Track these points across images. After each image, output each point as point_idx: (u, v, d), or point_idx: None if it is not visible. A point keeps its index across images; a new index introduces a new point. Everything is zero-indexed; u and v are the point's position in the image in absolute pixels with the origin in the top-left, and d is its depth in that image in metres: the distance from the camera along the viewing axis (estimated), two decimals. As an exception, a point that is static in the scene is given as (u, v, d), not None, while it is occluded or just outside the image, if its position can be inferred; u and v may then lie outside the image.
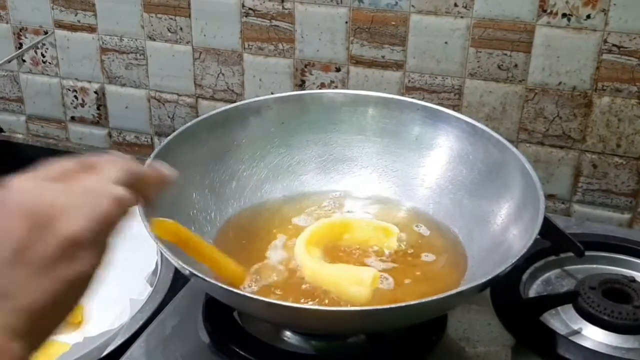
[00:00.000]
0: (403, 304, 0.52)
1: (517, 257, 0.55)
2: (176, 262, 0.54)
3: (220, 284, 0.53)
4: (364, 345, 0.63)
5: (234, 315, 0.64)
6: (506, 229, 0.65)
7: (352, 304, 0.59)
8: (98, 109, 1.05)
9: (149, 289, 0.73)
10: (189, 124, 0.70)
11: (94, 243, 0.38)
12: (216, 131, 0.73)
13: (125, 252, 0.73)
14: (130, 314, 0.69)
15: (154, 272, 0.75)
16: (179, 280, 0.72)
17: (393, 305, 0.51)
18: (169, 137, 0.67)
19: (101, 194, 0.39)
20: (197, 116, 0.99)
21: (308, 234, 0.67)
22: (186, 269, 0.53)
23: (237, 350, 0.60)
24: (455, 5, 0.82)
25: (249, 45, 0.92)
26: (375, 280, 0.61)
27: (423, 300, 0.52)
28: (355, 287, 0.60)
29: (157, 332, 0.66)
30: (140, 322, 0.67)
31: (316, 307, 0.52)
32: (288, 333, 0.63)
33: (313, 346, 0.63)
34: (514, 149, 0.68)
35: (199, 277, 0.53)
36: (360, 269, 0.63)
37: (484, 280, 0.54)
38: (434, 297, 0.53)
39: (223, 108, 0.74)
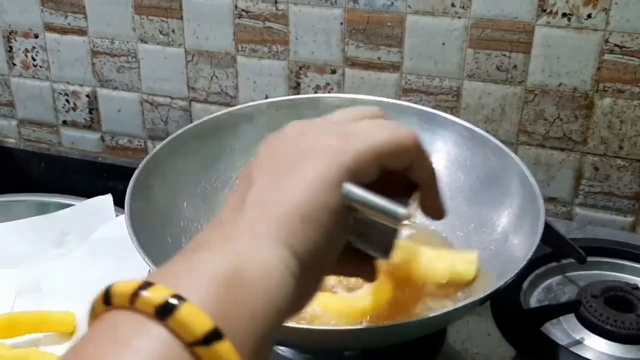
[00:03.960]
0: (400, 322, 0.50)
1: (517, 270, 0.53)
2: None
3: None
4: (361, 359, 0.62)
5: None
6: (506, 238, 0.63)
7: (459, 283, 0.61)
8: (90, 112, 1.03)
9: (141, 300, 0.71)
10: (178, 132, 0.69)
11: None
12: (207, 138, 0.71)
13: (114, 262, 0.73)
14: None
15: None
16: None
17: (390, 324, 0.50)
18: (157, 147, 0.66)
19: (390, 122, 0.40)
20: (191, 119, 0.98)
21: None
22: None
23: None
24: (453, 5, 0.80)
25: (242, 47, 0.91)
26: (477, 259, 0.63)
27: (421, 317, 0.51)
28: (464, 266, 0.62)
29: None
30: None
31: (310, 326, 0.50)
32: (282, 347, 0.62)
33: (308, 360, 0.62)
34: (512, 155, 0.66)
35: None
36: (460, 252, 0.65)
37: (483, 295, 0.52)
38: (432, 314, 0.52)
39: (214, 115, 0.73)
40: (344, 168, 0.33)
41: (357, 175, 0.34)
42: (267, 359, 0.30)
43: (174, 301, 0.26)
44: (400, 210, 0.34)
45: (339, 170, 0.33)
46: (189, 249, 0.32)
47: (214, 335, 0.26)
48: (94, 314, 0.28)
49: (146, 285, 0.27)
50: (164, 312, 0.26)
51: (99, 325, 0.28)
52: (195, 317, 0.26)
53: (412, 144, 0.37)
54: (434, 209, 0.42)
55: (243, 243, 0.31)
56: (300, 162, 0.34)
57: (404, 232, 0.67)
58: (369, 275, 0.42)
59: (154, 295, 0.27)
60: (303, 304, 0.34)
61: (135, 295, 0.27)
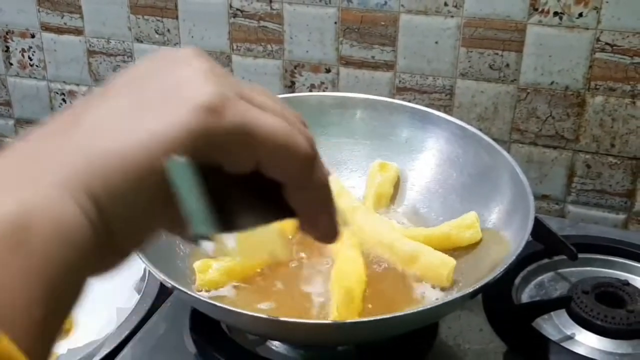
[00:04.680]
0: (392, 315, 0.51)
1: (507, 265, 0.54)
2: (159, 276, 0.53)
3: (202, 298, 0.52)
4: (354, 354, 0.62)
5: (221, 325, 0.63)
6: (497, 236, 0.64)
7: (463, 245, 0.64)
8: (87, 112, 1.03)
9: (137, 297, 0.72)
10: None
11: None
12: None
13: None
14: (116, 322, 0.68)
15: (142, 278, 0.74)
16: (166, 287, 0.71)
17: (380, 317, 0.50)
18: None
19: (296, 117, 0.31)
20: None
21: None
22: (168, 282, 0.52)
23: (224, 360, 0.60)
24: (446, 4, 0.81)
25: (237, 46, 0.91)
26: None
27: (411, 310, 0.52)
28: (468, 231, 0.65)
29: (143, 342, 0.64)
30: (127, 332, 0.66)
31: (301, 320, 0.51)
32: (276, 342, 0.62)
33: (302, 355, 0.62)
34: (504, 152, 0.67)
35: (182, 290, 0.51)
36: (462, 218, 0.66)
37: (473, 288, 0.53)
38: (423, 308, 0.53)
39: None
40: (199, 133, 0.26)
41: (212, 151, 0.27)
42: (61, 326, 0.25)
43: None
44: (202, 227, 0.27)
45: (193, 134, 0.26)
46: None
47: None
48: None
49: None
50: None
51: None
52: None
53: (301, 157, 0.30)
54: (318, 237, 0.35)
55: (43, 187, 0.24)
56: (161, 101, 0.27)
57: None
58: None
59: None
60: (113, 264, 0.28)
61: None
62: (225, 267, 0.61)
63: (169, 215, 0.28)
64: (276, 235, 0.38)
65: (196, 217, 0.27)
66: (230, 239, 0.32)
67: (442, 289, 0.62)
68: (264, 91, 0.31)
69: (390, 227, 0.68)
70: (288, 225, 0.35)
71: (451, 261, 0.62)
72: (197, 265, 0.62)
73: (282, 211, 0.32)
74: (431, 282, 0.63)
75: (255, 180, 0.30)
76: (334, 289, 0.60)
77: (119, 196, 0.26)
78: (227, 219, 0.29)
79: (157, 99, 0.27)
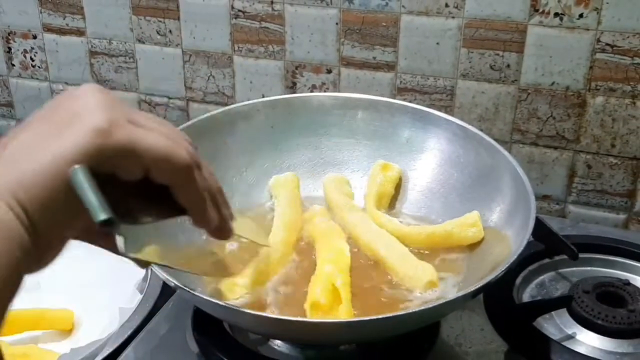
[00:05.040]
0: (393, 314, 0.51)
1: (508, 264, 0.54)
2: (162, 275, 0.53)
3: (206, 297, 0.52)
4: (356, 353, 0.63)
5: (223, 324, 0.63)
6: (499, 235, 0.64)
7: (465, 244, 0.65)
8: (88, 112, 1.04)
9: (139, 297, 0.72)
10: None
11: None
12: (204, 136, 0.72)
13: (114, 259, 0.73)
14: (119, 322, 0.68)
15: (144, 278, 0.75)
16: (169, 287, 0.72)
17: (382, 316, 0.50)
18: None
19: (179, 136, 0.40)
20: (189, 119, 0.99)
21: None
22: (171, 281, 0.52)
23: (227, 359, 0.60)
24: (446, 5, 0.81)
25: (239, 47, 0.91)
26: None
27: (413, 310, 0.52)
28: (471, 229, 0.65)
29: (146, 342, 0.65)
30: (129, 332, 0.66)
31: (303, 319, 0.51)
32: (278, 342, 0.62)
33: (304, 355, 0.62)
34: (505, 152, 0.67)
35: (185, 289, 0.52)
36: (464, 216, 0.66)
37: (474, 287, 0.53)
38: (424, 307, 0.53)
39: (210, 113, 0.73)
40: (93, 150, 0.34)
41: (106, 163, 0.35)
42: (7, 308, 0.33)
43: None
44: (99, 213, 0.34)
45: (87, 150, 0.34)
46: None
47: None
48: None
49: None
50: None
51: None
52: None
53: (180, 166, 0.38)
54: (211, 232, 0.44)
55: None
56: (65, 127, 0.35)
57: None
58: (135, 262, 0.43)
59: None
60: (46, 259, 0.36)
61: None
62: (249, 281, 0.61)
63: (80, 218, 0.35)
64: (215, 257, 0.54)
65: (93, 207, 0.34)
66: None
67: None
68: (153, 117, 0.39)
69: (392, 227, 0.69)
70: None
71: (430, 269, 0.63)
72: (224, 287, 0.61)
73: (176, 209, 0.40)
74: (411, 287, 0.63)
75: (151, 185, 0.38)
76: (315, 276, 0.61)
77: (38, 202, 0.34)
78: (130, 216, 0.38)
79: (62, 126, 0.35)
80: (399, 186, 0.74)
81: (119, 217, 0.35)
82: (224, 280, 0.61)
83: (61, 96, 0.38)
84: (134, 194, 0.38)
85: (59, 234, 0.36)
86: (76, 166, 0.34)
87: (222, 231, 0.44)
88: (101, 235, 0.40)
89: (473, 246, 0.66)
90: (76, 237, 0.40)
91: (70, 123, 0.35)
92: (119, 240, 0.36)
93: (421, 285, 0.61)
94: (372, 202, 0.72)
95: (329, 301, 0.58)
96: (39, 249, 0.34)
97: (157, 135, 0.37)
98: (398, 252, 0.65)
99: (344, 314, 0.57)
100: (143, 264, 0.44)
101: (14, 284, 0.33)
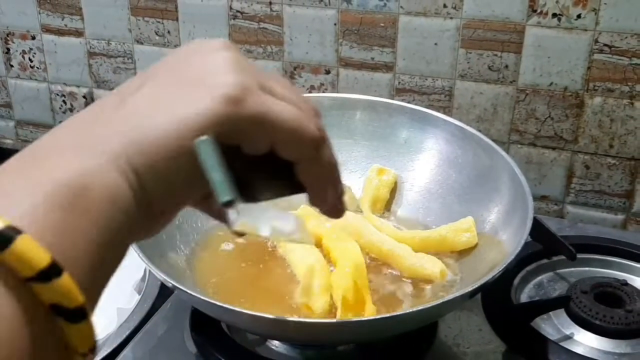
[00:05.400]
0: (391, 314, 0.51)
1: (506, 264, 0.54)
2: (159, 275, 0.53)
3: (203, 297, 0.52)
4: (354, 353, 0.63)
5: (221, 325, 0.63)
6: (495, 233, 0.64)
7: (459, 249, 0.65)
8: (87, 113, 1.04)
9: (137, 297, 0.72)
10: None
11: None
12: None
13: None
14: (117, 323, 0.68)
15: (142, 278, 0.75)
16: (167, 287, 0.72)
17: (380, 316, 0.50)
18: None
19: (309, 106, 0.36)
20: (187, 120, 0.99)
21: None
22: (169, 282, 0.52)
23: (225, 360, 0.60)
24: (445, 6, 0.81)
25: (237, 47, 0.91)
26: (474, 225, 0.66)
27: (411, 310, 0.52)
28: (465, 234, 0.65)
29: (144, 343, 0.65)
30: (127, 332, 0.66)
31: (301, 319, 0.51)
32: (276, 342, 0.62)
33: (302, 355, 0.62)
34: (503, 153, 0.67)
35: (182, 290, 0.52)
36: (459, 222, 0.66)
37: (472, 287, 0.53)
38: (422, 307, 0.53)
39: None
40: (223, 120, 0.31)
41: (234, 135, 0.32)
42: (106, 284, 0.30)
43: (8, 232, 0.25)
44: (225, 194, 0.31)
45: (217, 119, 0.31)
46: (33, 153, 0.29)
47: (52, 270, 0.25)
48: None
49: None
50: None
51: None
52: (32, 251, 0.25)
53: (309, 142, 0.34)
54: (324, 211, 0.40)
55: (94, 158, 0.29)
56: (194, 88, 0.31)
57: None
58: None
59: None
60: (152, 232, 0.34)
61: None
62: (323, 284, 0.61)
63: (198, 190, 0.32)
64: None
65: (219, 186, 0.31)
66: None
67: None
68: (284, 82, 0.36)
69: (386, 231, 0.69)
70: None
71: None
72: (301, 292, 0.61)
73: (294, 187, 0.37)
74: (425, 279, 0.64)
75: (272, 160, 0.34)
76: (336, 286, 0.60)
77: (155, 170, 0.30)
78: (249, 192, 0.34)
79: (188, 85, 0.32)
80: (394, 191, 0.74)
81: (239, 194, 0.32)
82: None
83: (189, 47, 0.34)
84: (254, 168, 0.35)
85: (172, 205, 0.33)
86: (203, 137, 0.30)
87: (336, 210, 0.40)
88: (212, 208, 0.38)
89: (467, 252, 0.66)
90: (191, 206, 0.37)
91: (199, 83, 0.31)
92: (233, 216, 0.32)
93: (435, 277, 0.62)
94: (367, 206, 0.72)
95: (356, 300, 0.58)
96: (148, 219, 0.31)
97: (288, 106, 0.33)
98: (402, 249, 0.66)
99: (369, 312, 0.58)
100: (240, 234, 0.38)
101: (118, 261, 0.30)
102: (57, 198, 0.27)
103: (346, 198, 0.41)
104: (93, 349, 0.28)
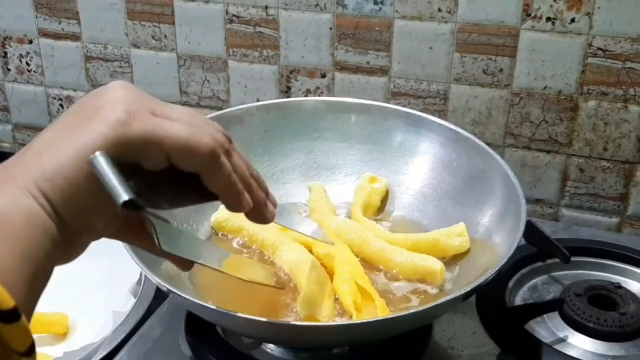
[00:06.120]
0: (384, 317, 0.51)
1: (499, 267, 0.55)
2: (154, 279, 0.53)
3: (198, 301, 0.52)
4: (348, 356, 0.63)
5: (216, 328, 0.63)
6: (489, 236, 0.65)
7: (452, 253, 0.66)
8: (84, 117, 1.04)
9: (133, 300, 0.72)
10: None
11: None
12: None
13: (109, 262, 0.74)
14: (113, 326, 0.68)
15: (138, 282, 0.75)
16: (162, 291, 0.72)
17: (373, 319, 0.51)
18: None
19: (211, 126, 0.40)
20: (183, 123, 0.99)
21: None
22: (164, 285, 0.52)
23: (219, 363, 0.60)
24: (439, 10, 0.82)
25: (233, 51, 0.92)
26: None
27: (404, 312, 0.52)
28: (457, 238, 0.66)
29: (139, 346, 0.65)
30: (123, 335, 0.66)
31: (295, 322, 0.51)
32: (271, 345, 0.63)
33: (296, 358, 0.62)
34: (496, 156, 0.68)
35: (177, 294, 0.52)
36: (452, 227, 0.67)
37: (465, 290, 0.53)
38: (416, 310, 0.53)
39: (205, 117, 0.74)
40: (113, 140, 0.35)
41: (127, 153, 0.36)
42: (40, 295, 0.34)
43: None
44: (121, 194, 0.34)
45: (106, 141, 0.35)
46: None
47: None
48: None
49: None
50: None
51: None
52: None
53: (203, 152, 0.38)
54: (250, 216, 0.44)
55: (10, 191, 0.34)
56: (89, 121, 0.36)
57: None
58: (172, 261, 0.45)
59: None
60: (74, 251, 0.38)
61: None
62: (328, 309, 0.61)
63: (104, 206, 0.36)
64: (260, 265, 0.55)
65: (114, 189, 0.34)
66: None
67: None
68: (182, 108, 0.40)
69: (378, 233, 0.69)
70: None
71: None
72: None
73: (207, 195, 0.41)
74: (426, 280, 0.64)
75: (181, 173, 0.38)
76: (342, 292, 0.61)
77: (62, 192, 0.35)
78: (159, 203, 0.39)
79: (86, 119, 0.36)
80: (384, 199, 0.75)
81: (151, 205, 0.36)
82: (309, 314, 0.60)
83: (90, 94, 0.39)
84: (164, 182, 0.39)
85: (85, 224, 0.37)
86: (97, 153, 0.35)
87: (259, 214, 0.45)
88: (136, 233, 0.42)
89: (461, 255, 0.66)
90: (112, 236, 0.41)
91: (95, 115, 0.36)
92: (155, 231, 0.37)
93: (436, 273, 0.63)
94: (358, 209, 0.72)
95: (364, 298, 0.60)
96: (66, 240, 0.35)
97: (177, 124, 0.37)
98: (396, 250, 0.66)
99: (380, 306, 0.59)
100: (182, 263, 0.45)
101: (45, 275, 0.34)
102: None
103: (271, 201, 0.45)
104: (31, 349, 0.31)
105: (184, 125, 0.38)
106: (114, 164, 0.35)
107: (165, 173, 0.38)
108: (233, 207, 0.42)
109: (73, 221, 0.35)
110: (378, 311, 0.58)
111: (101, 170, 0.34)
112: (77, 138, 0.35)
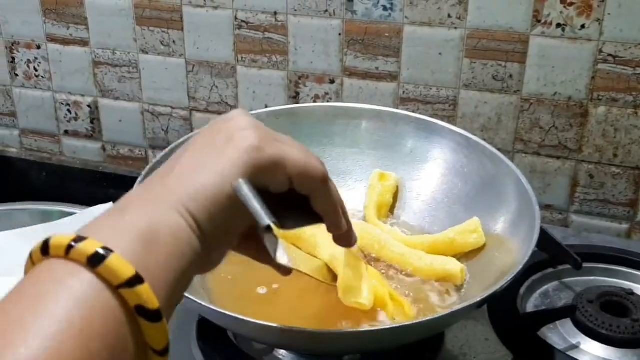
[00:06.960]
0: (397, 325, 0.51)
1: (513, 275, 0.54)
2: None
3: (210, 306, 0.52)
4: (360, 363, 0.63)
5: (228, 334, 0.63)
6: (502, 243, 0.64)
7: (467, 250, 0.66)
8: (92, 122, 1.04)
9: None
10: (178, 141, 0.70)
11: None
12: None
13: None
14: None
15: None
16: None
17: (387, 327, 0.51)
18: (158, 156, 0.67)
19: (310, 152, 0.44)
20: (192, 129, 0.99)
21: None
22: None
23: (231, 370, 0.60)
24: (449, 16, 0.82)
25: (242, 57, 0.92)
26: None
27: (418, 320, 0.52)
28: (473, 235, 0.66)
29: (150, 352, 0.65)
30: (134, 342, 0.66)
31: (308, 329, 0.51)
32: (283, 352, 0.63)
33: (308, 364, 0.62)
34: (508, 162, 0.67)
35: (189, 299, 0.52)
36: (465, 223, 0.67)
37: (479, 298, 0.53)
38: (430, 317, 0.53)
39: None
40: (250, 165, 0.40)
41: (260, 176, 0.40)
42: (179, 301, 0.38)
43: (102, 252, 0.32)
44: (265, 219, 0.39)
45: (246, 165, 0.39)
46: (116, 208, 0.38)
47: (136, 280, 0.32)
48: (32, 263, 0.34)
49: (79, 239, 0.33)
50: (94, 261, 0.32)
51: (38, 270, 0.33)
52: (121, 265, 0.32)
53: (318, 176, 0.43)
54: (339, 238, 0.50)
55: (159, 208, 0.37)
56: (224, 147, 0.40)
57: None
58: (277, 268, 0.47)
59: (86, 247, 0.32)
60: (211, 264, 0.42)
61: (70, 247, 0.33)
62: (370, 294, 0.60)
63: (242, 225, 0.41)
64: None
65: (259, 215, 0.39)
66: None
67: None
68: (289, 138, 0.44)
69: (394, 236, 0.69)
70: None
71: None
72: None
73: (314, 218, 0.45)
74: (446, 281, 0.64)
75: (293, 197, 0.43)
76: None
77: (207, 212, 0.38)
78: (280, 223, 0.41)
79: (220, 146, 0.40)
80: (396, 195, 0.75)
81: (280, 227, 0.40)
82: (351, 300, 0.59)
83: (215, 122, 0.43)
84: (281, 205, 0.42)
85: (225, 239, 0.41)
86: (240, 180, 0.39)
87: (348, 238, 0.50)
88: (252, 245, 0.45)
89: (475, 253, 0.66)
90: (235, 248, 0.45)
91: (228, 142, 0.40)
92: (277, 247, 0.42)
93: (459, 276, 0.64)
94: (372, 212, 0.72)
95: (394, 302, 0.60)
96: (205, 253, 0.39)
97: (297, 150, 0.42)
98: (416, 252, 0.66)
99: (407, 314, 0.59)
100: (286, 271, 0.48)
101: (185, 284, 0.38)
102: (138, 237, 0.35)
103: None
104: (167, 348, 0.34)
105: (300, 152, 0.42)
106: (254, 189, 0.39)
107: (282, 198, 0.42)
108: (335, 228, 0.47)
109: (213, 236, 0.39)
110: (406, 309, 0.59)
111: (245, 196, 0.38)
112: (217, 163, 0.39)
